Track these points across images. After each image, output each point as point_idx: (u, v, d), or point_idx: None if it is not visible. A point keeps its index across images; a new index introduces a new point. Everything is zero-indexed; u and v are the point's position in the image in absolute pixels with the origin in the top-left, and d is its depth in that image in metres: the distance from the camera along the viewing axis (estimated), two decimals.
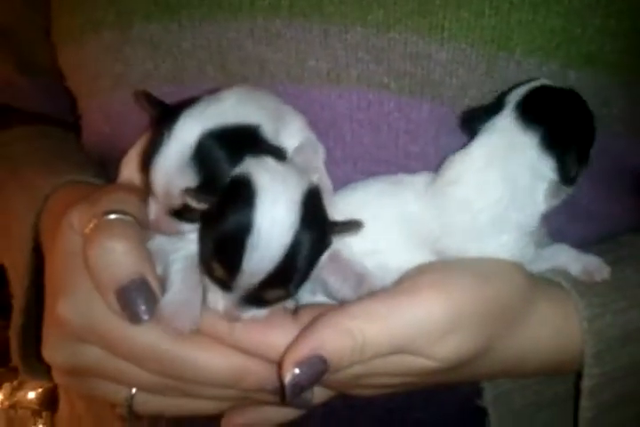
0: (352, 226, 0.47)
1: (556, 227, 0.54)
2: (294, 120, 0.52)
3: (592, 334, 0.50)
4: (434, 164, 0.54)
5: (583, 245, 0.56)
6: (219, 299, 0.47)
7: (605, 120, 0.58)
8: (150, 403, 0.51)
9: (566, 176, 0.48)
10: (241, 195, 0.44)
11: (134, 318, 0.47)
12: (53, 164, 0.65)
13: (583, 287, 0.51)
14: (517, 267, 0.50)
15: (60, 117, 0.74)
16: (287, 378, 0.44)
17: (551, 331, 0.50)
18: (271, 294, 0.46)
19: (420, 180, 0.53)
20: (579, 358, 0.51)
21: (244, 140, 0.47)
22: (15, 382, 1.42)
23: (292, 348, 0.45)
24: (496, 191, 0.49)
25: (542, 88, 0.50)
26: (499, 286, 0.48)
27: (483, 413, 0.56)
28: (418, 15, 0.52)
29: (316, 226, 0.45)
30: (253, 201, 0.43)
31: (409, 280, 0.48)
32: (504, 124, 0.49)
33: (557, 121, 0.49)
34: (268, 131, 0.49)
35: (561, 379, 0.56)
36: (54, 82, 0.68)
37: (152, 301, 0.47)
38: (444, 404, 0.58)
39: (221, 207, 0.44)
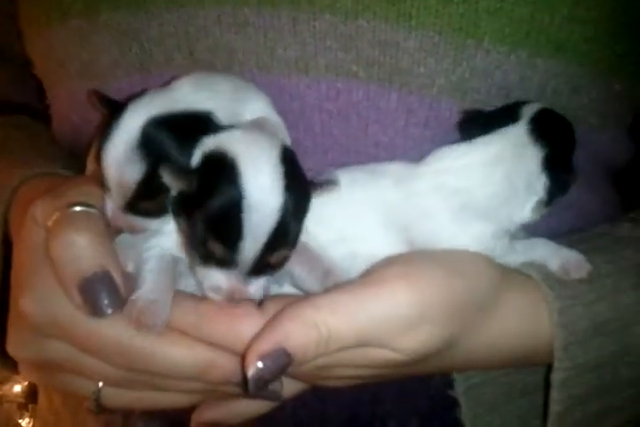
0: (328, 183, 0.48)
1: None
2: (256, 102, 0.51)
3: (561, 326, 0.49)
4: (402, 154, 0.54)
5: (556, 236, 0.56)
6: (220, 280, 0.46)
7: (578, 111, 0.57)
8: (118, 397, 0.51)
9: (551, 199, 0.51)
10: (221, 168, 0.44)
11: (97, 312, 0.46)
12: (24, 155, 0.64)
13: (553, 279, 0.51)
14: (487, 259, 0.50)
15: (32, 106, 0.73)
16: (250, 371, 0.43)
17: (520, 323, 0.50)
18: (274, 257, 0.46)
19: (395, 167, 0.52)
20: (548, 350, 0.50)
21: (192, 125, 0.47)
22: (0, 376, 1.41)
23: (255, 341, 0.44)
24: (497, 187, 0.49)
25: (549, 110, 0.52)
26: (467, 279, 0.47)
27: (453, 405, 0.56)
28: (386, 2, 0.51)
29: (299, 183, 0.46)
30: (236, 170, 0.44)
31: (376, 272, 0.47)
32: (518, 132, 0.50)
33: (561, 146, 0.51)
34: (223, 116, 0.49)
35: (530, 370, 0.56)
36: (25, 70, 0.67)
37: (115, 294, 0.46)
38: (415, 396, 0.58)
39: (205, 184, 0.44)
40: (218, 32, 0.53)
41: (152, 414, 0.60)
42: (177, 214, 0.48)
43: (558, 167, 0.51)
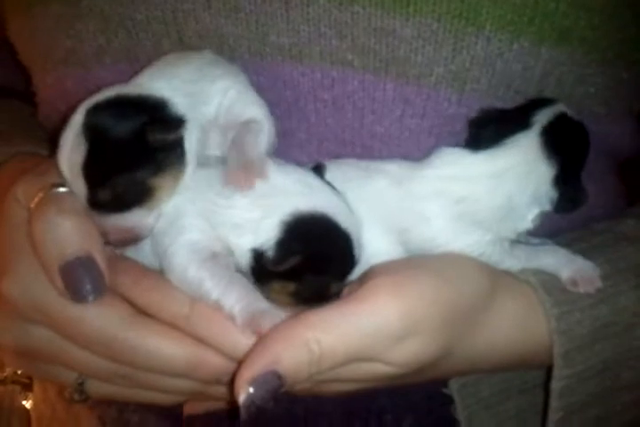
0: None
1: None
2: (223, 79, 0.50)
3: (560, 333, 0.48)
4: (398, 145, 0.52)
5: (557, 232, 0.55)
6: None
7: (583, 100, 0.55)
8: (101, 388, 0.50)
9: (556, 212, 0.50)
10: (321, 226, 0.48)
11: (79, 298, 0.45)
12: (7, 135, 0.62)
13: (551, 284, 0.49)
14: (477, 263, 0.48)
15: (20, 90, 0.71)
16: (241, 398, 0.41)
17: (517, 326, 0.48)
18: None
19: (392, 167, 0.51)
20: (545, 355, 0.49)
21: (135, 108, 0.46)
22: None
23: (245, 364, 0.42)
24: (501, 201, 0.49)
25: (565, 117, 0.50)
26: (457, 287, 0.46)
27: (449, 400, 0.55)
28: None
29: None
30: (335, 222, 0.48)
31: (365, 286, 0.45)
32: (530, 144, 0.49)
33: (575, 160, 0.50)
34: (182, 102, 0.48)
35: None
36: (10, 54, 0.65)
37: (98, 281, 0.45)
38: (411, 391, 0.57)
39: (315, 247, 0.48)
40: (207, 17, 0.51)
41: (147, 408, 0.60)
42: (273, 283, 0.48)
43: (570, 186, 0.50)
